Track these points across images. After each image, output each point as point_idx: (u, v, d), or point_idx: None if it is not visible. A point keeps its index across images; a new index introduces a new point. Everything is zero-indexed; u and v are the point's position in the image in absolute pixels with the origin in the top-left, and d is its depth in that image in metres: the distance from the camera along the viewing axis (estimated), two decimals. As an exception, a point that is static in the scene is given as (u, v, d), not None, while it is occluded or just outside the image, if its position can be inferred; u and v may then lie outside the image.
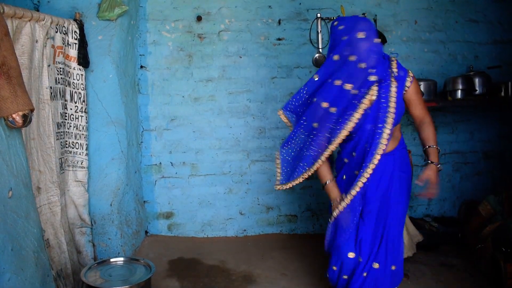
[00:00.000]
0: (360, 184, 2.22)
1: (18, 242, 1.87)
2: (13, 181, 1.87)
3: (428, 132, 2.27)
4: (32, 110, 1.91)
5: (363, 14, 3.75)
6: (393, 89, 2.18)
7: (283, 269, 3.20)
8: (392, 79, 2.19)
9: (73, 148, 2.84)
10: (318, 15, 3.73)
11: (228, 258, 3.39)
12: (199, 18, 3.66)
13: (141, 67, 3.67)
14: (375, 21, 3.79)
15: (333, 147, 2.24)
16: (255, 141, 3.84)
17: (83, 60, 2.82)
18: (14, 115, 1.82)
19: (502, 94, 3.59)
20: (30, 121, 1.93)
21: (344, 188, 2.34)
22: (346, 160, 2.36)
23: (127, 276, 2.46)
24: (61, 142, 2.70)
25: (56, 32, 2.59)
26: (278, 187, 2.43)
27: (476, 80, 3.53)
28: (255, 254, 3.49)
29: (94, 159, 3.04)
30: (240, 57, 3.75)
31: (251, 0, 3.72)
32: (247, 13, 3.72)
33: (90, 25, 2.94)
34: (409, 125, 3.96)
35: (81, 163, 2.89)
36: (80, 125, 2.87)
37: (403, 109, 2.27)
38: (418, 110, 2.29)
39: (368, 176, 2.20)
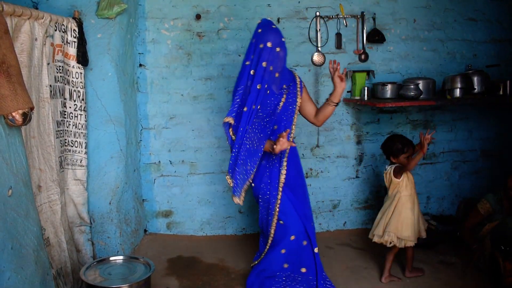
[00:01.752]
0: None
1: (18, 240, 1.86)
2: (13, 179, 1.87)
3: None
4: (32, 109, 1.91)
5: (362, 12, 3.75)
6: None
7: (282, 267, 3.20)
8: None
9: (72, 146, 2.84)
10: (317, 13, 3.73)
11: (227, 257, 3.39)
12: (198, 17, 3.66)
13: (140, 65, 3.66)
14: (374, 19, 3.79)
15: None
16: (254, 140, 3.83)
17: (82, 58, 2.82)
18: (14, 113, 1.81)
19: (501, 92, 3.60)
20: (30, 119, 1.92)
21: None
22: None
23: (126, 275, 2.46)
24: (60, 140, 2.70)
25: (55, 30, 2.58)
26: None
27: (475, 79, 3.53)
28: (254, 252, 3.48)
29: (93, 157, 3.04)
30: (239, 56, 3.74)
31: (250, -1, 3.72)
32: (246, 11, 3.71)
33: (89, 23, 2.93)
34: (407, 123, 3.97)
35: (80, 162, 2.88)
36: (79, 123, 2.86)
37: None
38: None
39: None
